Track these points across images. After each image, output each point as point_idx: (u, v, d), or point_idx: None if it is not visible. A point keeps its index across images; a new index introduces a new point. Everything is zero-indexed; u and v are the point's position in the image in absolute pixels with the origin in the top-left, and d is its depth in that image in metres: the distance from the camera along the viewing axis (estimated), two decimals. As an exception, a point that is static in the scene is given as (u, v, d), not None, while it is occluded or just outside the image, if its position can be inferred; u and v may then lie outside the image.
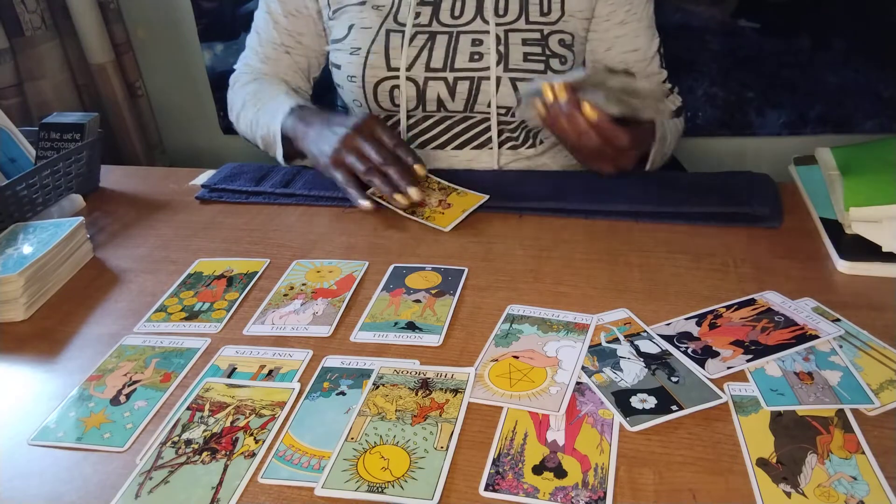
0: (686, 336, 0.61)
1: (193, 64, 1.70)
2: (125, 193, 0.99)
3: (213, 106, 1.74)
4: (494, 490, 0.48)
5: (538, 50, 0.93)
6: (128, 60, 1.67)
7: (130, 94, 1.69)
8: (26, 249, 0.75)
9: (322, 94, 1.15)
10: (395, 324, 0.66)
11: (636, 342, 0.61)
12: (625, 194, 0.84)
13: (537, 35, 0.93)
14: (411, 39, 0.94)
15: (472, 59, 0.93)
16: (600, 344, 0.61)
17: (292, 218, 0.88)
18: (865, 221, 0.72)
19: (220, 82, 1.70)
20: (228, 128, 1.74)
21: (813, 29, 1.37)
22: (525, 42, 0.93)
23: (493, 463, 0.50)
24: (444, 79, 0.94)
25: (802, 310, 0.63)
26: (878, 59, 1.37)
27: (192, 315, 0.70)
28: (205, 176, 1.00)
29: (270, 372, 0.61)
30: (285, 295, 0.72)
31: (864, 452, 0.49)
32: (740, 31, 1.40)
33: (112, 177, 1.04)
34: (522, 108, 0.84)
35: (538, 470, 0.49)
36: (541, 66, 0.93)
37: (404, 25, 0.94)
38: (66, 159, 0.92)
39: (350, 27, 0.97)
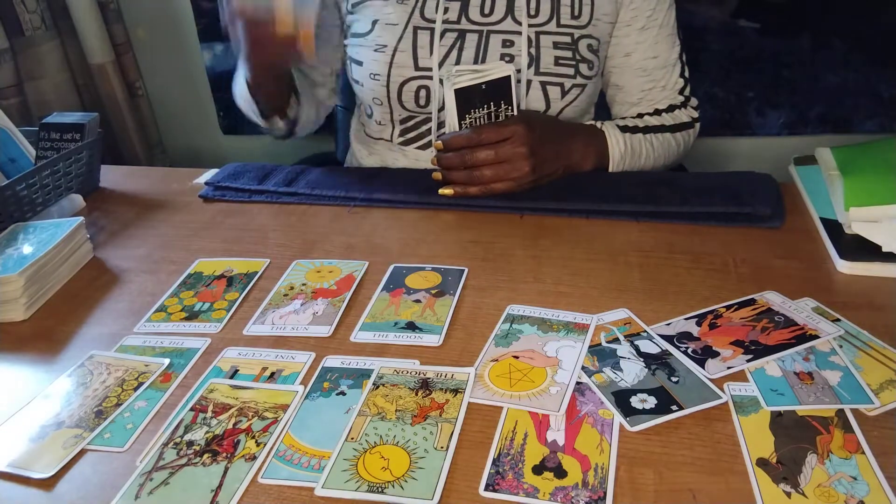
0: (686, 336, 0.61)
1: (193, 64, 1.70)
2: (125, 193, 0.99)
3: (213, 106, 1.74)
4: (494, 490, 0.48)
5: (569, 54, 0.92)
6: (128, 60, 1.67)
7: (130, 94, 1.69)
8: (26, 249, 0.75)
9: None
10: (395, 324, 0.66)
11: (636, 342, 0.61)
12: (625, 194, 0.83)
13: (567, 39, 0.92)
14: (440, 37, 0.91)
15: (503, 61, 0.91)
16: (600, 344, 0.61)
17: (292, 218, 0.88)
18: (865, 221, 0.72)
19: (220, 82, 1.70)
20: (228, 128, 1.76)
21: (813, 29, 1.37)
22: (556, 45, 0.91)
23: (493, 463, 0.50)
24: None
25: (802, 310, 0.63)
26: (878, 59, 1.37)
27: (192, 315, 0.70)
28: (207, 175, 1.00)
29: (272, 374, 0.61)
30: (285, 295, 0.72)
31: (864, 452, 0.49)
32: (740, 31, 1.40)
33: (112, 177, 1.04)
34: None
35: (538, 470, 0.49)
36: (571, 71, 0.92)
37: (432, 22, 0.91)
38: (66, 159, 0.92)
39: (374, 22, 0.94)
